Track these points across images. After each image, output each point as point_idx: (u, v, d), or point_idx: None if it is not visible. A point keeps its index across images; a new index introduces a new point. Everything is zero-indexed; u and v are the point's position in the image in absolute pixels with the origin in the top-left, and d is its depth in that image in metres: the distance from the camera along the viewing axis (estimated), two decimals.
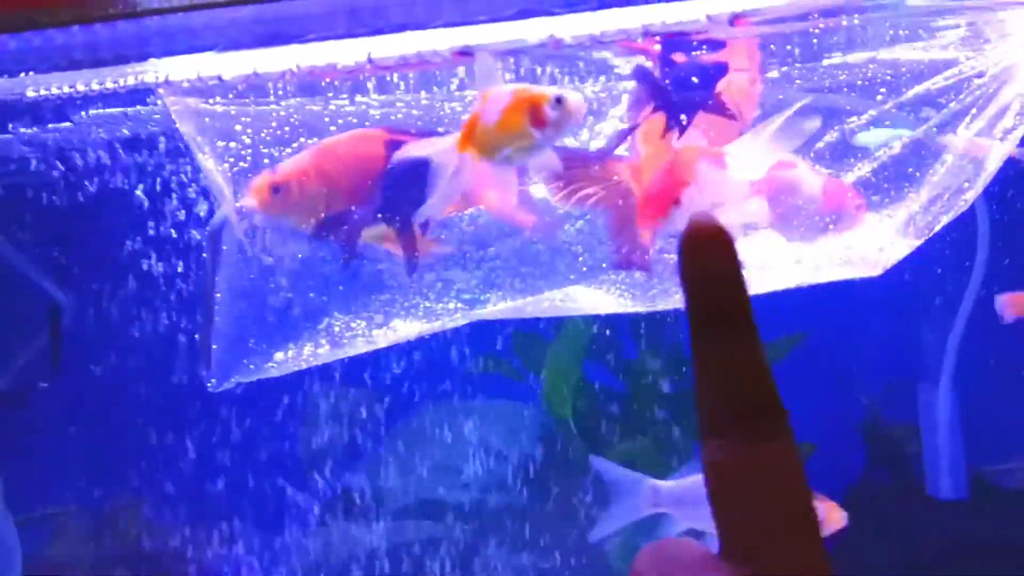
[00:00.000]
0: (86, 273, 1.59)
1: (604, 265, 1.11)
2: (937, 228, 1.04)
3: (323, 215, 1.00)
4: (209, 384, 1.12)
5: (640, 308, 1.14)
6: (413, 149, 0.93)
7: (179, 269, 1.39)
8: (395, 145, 0.99)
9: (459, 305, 1.14)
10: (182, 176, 1.22)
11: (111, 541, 1.80)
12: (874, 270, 1.06)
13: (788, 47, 1.09)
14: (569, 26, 0.90)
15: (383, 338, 1.15)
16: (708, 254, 0.28)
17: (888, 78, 1.06)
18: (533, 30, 0.91)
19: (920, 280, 1.19)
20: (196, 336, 1.13)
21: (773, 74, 1.10)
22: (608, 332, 2.03)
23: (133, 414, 1.73)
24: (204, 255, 1.08)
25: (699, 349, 0.29)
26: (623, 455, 2.03)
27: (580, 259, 1.12)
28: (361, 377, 1.87)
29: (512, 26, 0.91)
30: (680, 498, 1.16)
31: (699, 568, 0.28)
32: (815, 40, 1.06)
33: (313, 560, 1.93)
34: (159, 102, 1.00)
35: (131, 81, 0.95)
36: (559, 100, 0.88)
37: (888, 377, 1.93)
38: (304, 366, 1.15)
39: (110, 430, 1.76)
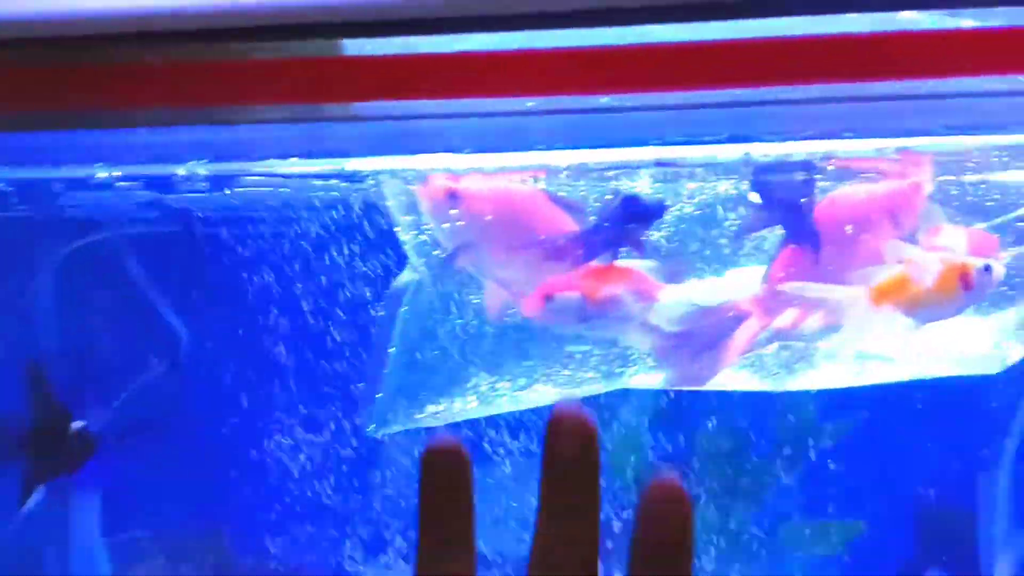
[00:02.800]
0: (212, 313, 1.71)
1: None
2: None
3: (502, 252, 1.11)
4: (369, 428, 1.24)
5: (771, 388, 1.26)
6: (819, 291, 1.08)
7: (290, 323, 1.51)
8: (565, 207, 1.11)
9: (596, 375, 1.26)
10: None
11: (190, 565, 1.87)
12: (992, 367, 1.18)
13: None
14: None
15: (526, 400, 1.27)
16: (568, 440, 0.31)
17: (997, 196, 1.19)
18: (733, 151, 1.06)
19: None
20: (360, 385, 1.25)
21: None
22: (676, 403, 2.13)
23: (227, 449, 1.82)
24: (381, 312, 1.22)
25: (544, 520, 0.31)
26: None
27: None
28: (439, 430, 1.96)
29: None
30: None
31: None
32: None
33: None
34: (371, 181, 1.15)
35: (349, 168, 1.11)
36: (987, 269, 1.06)
37: (947, 461, 2.02)
38: (454, 420, 1.27)
39: (206, 462, 1.85)
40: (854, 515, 2.03)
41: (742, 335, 1.16)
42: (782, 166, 1.08)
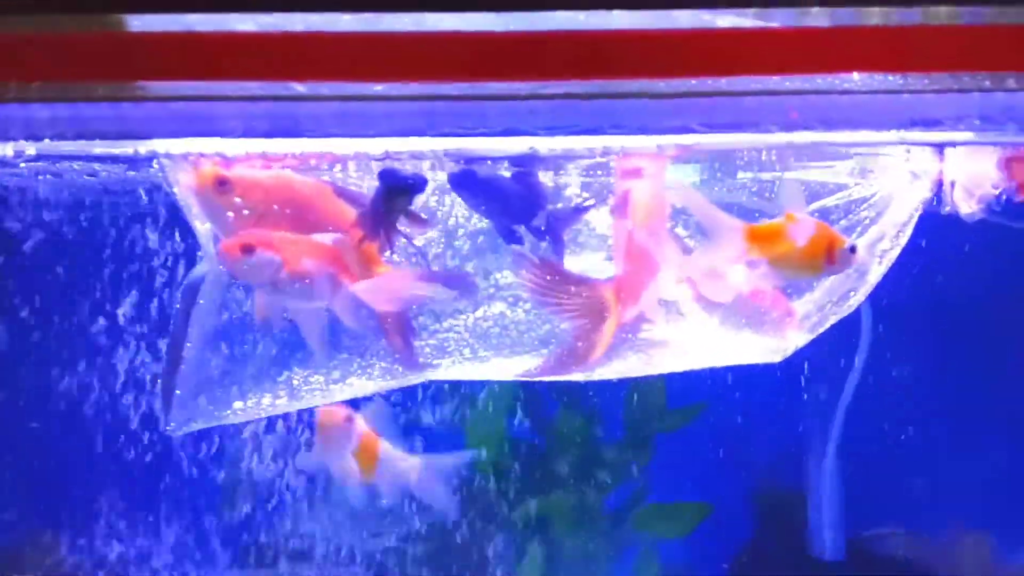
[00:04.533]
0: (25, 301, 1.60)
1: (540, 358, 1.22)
2: (827, 326, 1.22)
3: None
4: (168, 427, 1.18)
5: (575, 378, 1.27)
6: (707, 210, 1.07)
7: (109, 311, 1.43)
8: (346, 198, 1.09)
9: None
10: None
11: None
12: (774, 356, 1.23)
13: (704, 160, 1.25)
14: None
15: (339, 393, 1.24)
16: None
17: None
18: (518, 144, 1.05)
19: (809, 356, 1.40)
20: (158, 381, 1.19)
21: (692, 179, 1.27)
22: (531, 390, 2.15)
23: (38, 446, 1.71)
24: (177, 305, 1.15)
25: None
26: (541, 508, 2.14)
27: (524, 335, 1.25)
28: (281, 424, 1.90)
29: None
30: None
31: None
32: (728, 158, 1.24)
33: None
34: (156, 165, 1.08)
35: (139, 151, 1.04)
36: (852, 249, 1.09)
37: (781, 446, 2.13)
38: (262, 415, 1.22)
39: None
40: (700, 497, 2.12)
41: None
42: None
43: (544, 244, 1.13)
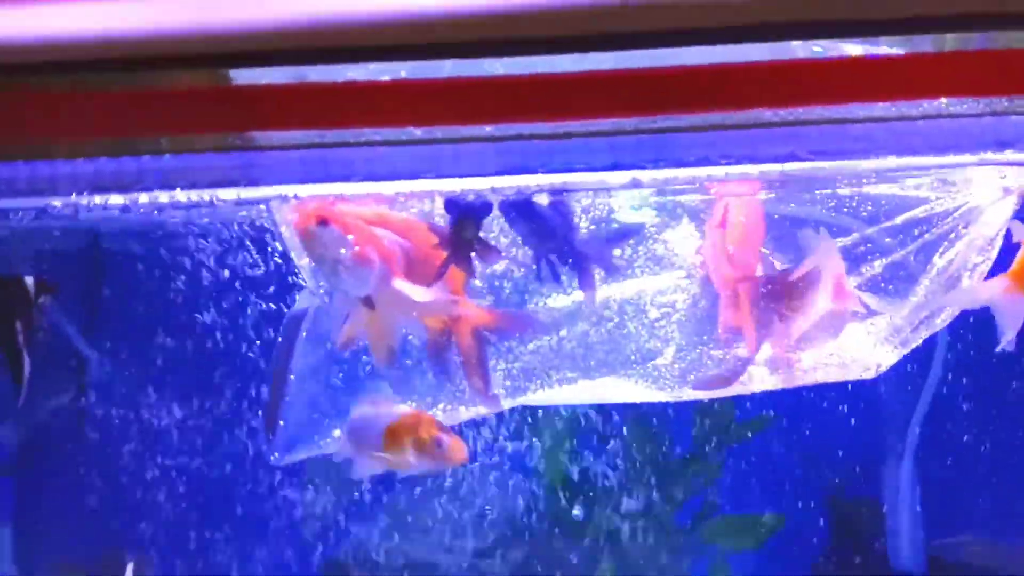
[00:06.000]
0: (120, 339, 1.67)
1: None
2: (920, 341, 1.22)
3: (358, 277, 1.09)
4: (273, 456, 1.22)
5: (663, 399, 1.28)
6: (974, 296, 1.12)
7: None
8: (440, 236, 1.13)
9: (502, 392, 1.27)
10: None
11: None
12: (867, 373, 1.23)
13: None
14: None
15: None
16: None
17: (870, 207, 1.25)
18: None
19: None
20: (261, 412, 1.23)
21: (768, 195, 1.28)
22: (601, 409, 2.15)
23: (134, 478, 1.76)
24: (280, 339, 1.20)
25: None
26: (610, 523, 2.14)
27: (610, 355, 1.27)
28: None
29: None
30: None
31: None
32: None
33: None
34: (263, 207, 1.13)
35: (245, 196, 1.09)
36: None
37: (854, 455, 2.11)
38: None
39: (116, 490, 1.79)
40: (772, 510, 2.10)
41: None
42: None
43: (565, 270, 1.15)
